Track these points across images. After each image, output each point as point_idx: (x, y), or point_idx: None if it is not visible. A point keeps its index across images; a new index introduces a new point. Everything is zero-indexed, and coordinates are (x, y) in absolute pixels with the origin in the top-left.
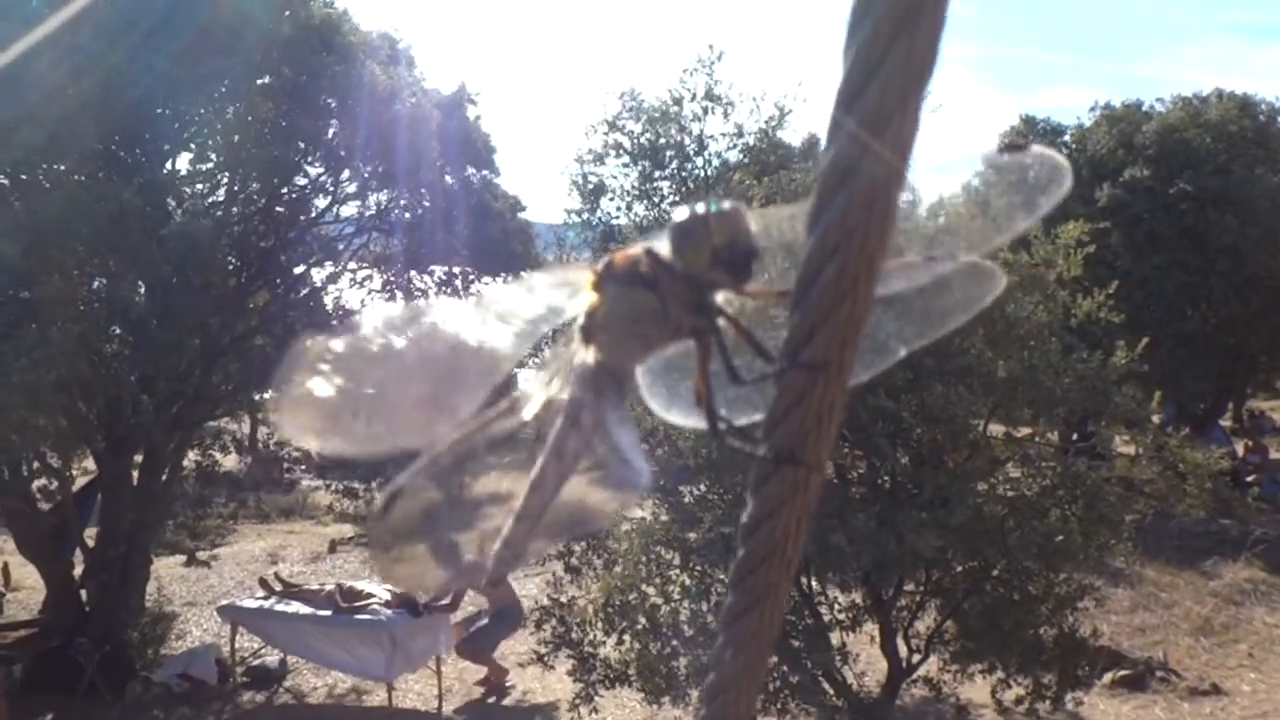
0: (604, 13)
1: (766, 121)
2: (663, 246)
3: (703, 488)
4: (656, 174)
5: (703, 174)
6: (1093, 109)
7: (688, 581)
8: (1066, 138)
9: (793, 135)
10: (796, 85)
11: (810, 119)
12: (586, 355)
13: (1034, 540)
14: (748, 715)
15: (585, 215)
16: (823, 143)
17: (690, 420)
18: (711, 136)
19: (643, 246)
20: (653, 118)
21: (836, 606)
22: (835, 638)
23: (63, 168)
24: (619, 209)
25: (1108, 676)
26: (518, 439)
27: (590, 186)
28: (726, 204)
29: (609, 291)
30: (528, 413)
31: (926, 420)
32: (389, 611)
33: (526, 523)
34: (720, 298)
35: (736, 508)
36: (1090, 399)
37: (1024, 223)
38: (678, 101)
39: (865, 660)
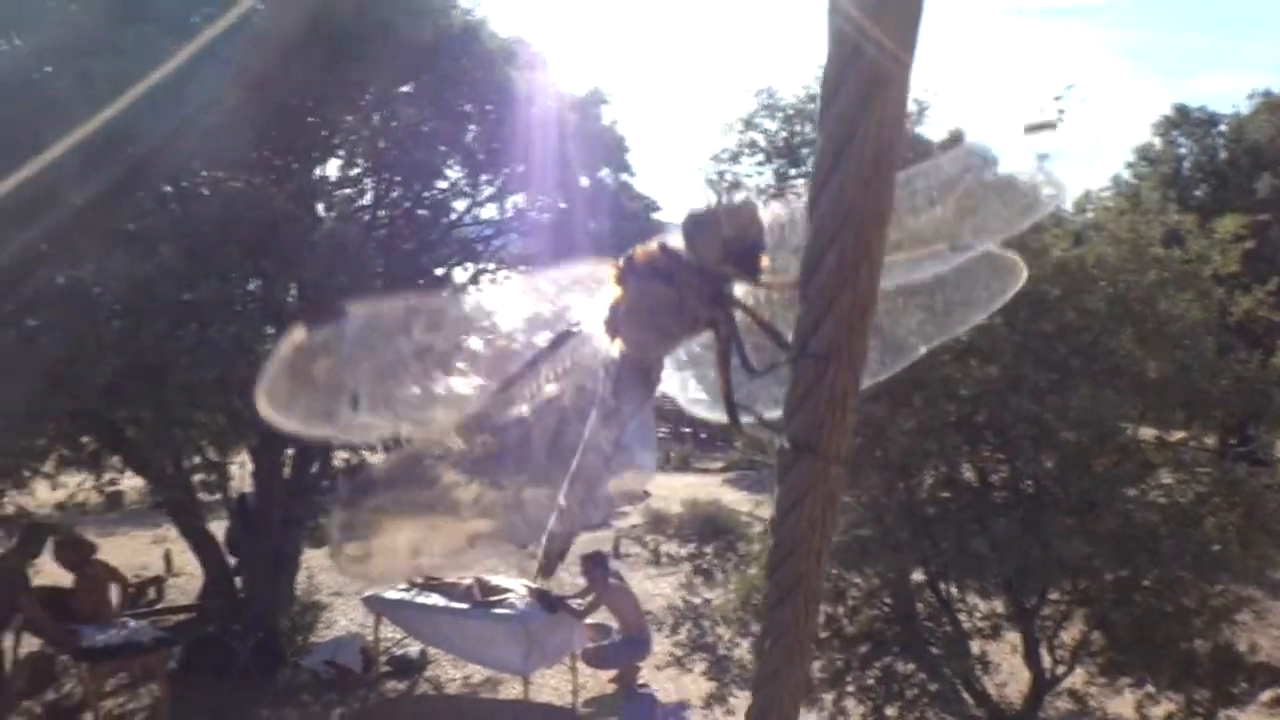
0: (740, 9)
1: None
2: (677, 241)
3: None
4: (792, 172)
5: None
6: (1250, 96)
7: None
8: (1223, 127)
9: (933, 130)
10: (937, 78)
11: (951, 113)
12: (612, 348)
13: (1188, 549)
14: (793, 704)
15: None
16: (965, 137)
17: (715, 414)
18: None
19: (659, 241)
20: (789, 115)
21: (976, 614)
22: (975, 646)
23: (220, 175)
24: None
25: (1266, 694)
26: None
27: (725, 186)
28: (738, 198)
29: (630, 285)
30: (528, 409)
31: (1072, 423)
32: (526, 607)
33: (570, 513)
34: (739, 290)
35: (872, 510)
36: (1249, 400)
37: (1050, 208)
38: (814, 98)
39: (1007, 670)
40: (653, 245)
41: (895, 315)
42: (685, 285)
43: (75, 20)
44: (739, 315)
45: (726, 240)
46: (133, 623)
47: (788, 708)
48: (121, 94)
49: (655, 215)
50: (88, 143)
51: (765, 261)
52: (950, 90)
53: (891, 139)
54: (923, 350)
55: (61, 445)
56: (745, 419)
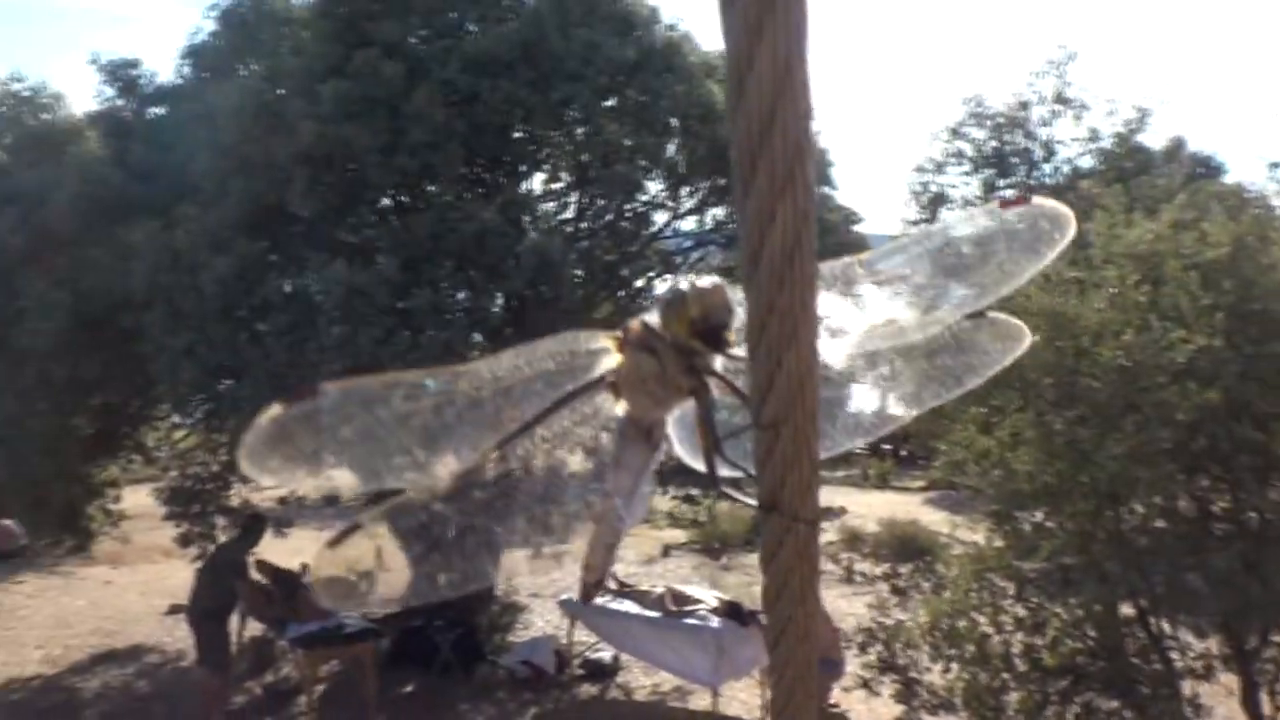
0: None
1: (1124, 124)
2: (654, 319)
3: (1040, 515)
4: (1000, 182)
5: (1051, 181)
6: None
7: (1022, 613)
8: None
9: (1154, 138)
10: (1158, 84)
11: (1174, 120)
12: (617, 409)
13: None
14: None
15: (924, 226)
16: (1186, 145)
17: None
18: (1061, 141)
19: (642, 318)
20: (998, 124)
21: (1189, 653)
22: (1186, 687)
23: (434, 189)
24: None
25: None
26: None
27: (929, 196)
28: (705, 281)
29: (627, 354)
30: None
31: None
32: (716, 619)
33: (600, 548)
34: (718, 362)
35: (1077, 538)
36: None
37: (1032, 269)
38: (1025, 106)
39: (1221, 715)
40: (639, 320)
41: (894, 378)
42: (665, 358)
43: (306, 46)
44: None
45: (693, 320)
46: (347, 613)
47: None
48: (345, 114)
49: (856, 227)
50: (314, 159)
51: (732, 337)
52: (1172, 98)
53: (805, 220)
54: (913, 413)
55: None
56: (732, 473)
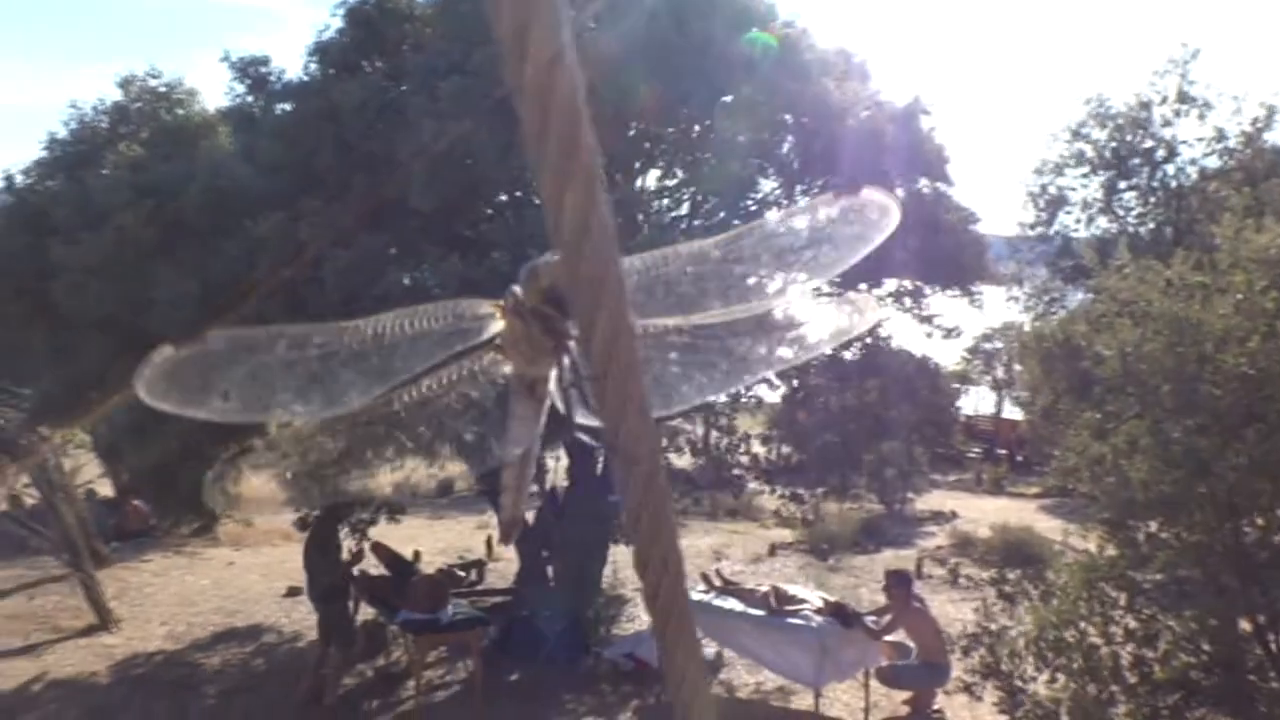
0: (1069, 14)
1: (1251, 123)
2: (518, 288)
3: (1155, 525)
4: (1121, 184)
5: (1174, 183)
6: None
7: (1133, 624)
8: None
9: None
10: None
11: None
12: (505, 366)
13: None
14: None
15: (1041, 228)
16: None
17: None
18: (1185, 141)
19: (513, 287)
20: (1119, 124)
21: None
22: None
23: None
24: (1078, 221)
25: None
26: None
27: (1048, 198)
28: (555, 256)
29: (506, 320)
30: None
31: None
32: (820, 619)
33: (510, 490)
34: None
35: (1195, 550)
36: None
37: (861, 253)
38: (1146, 105)
39: None
40: (510, 290)
41: (746, 346)
42: (529, 322)
43: (430, 44)
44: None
45: (545, 289)
46: (456, 601)
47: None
48: (464, 111)
49: (973, 227)
50: (434, 155)
51: None
52: None
53: (592, 186)
54: (762, 374)
55: (402, 433)
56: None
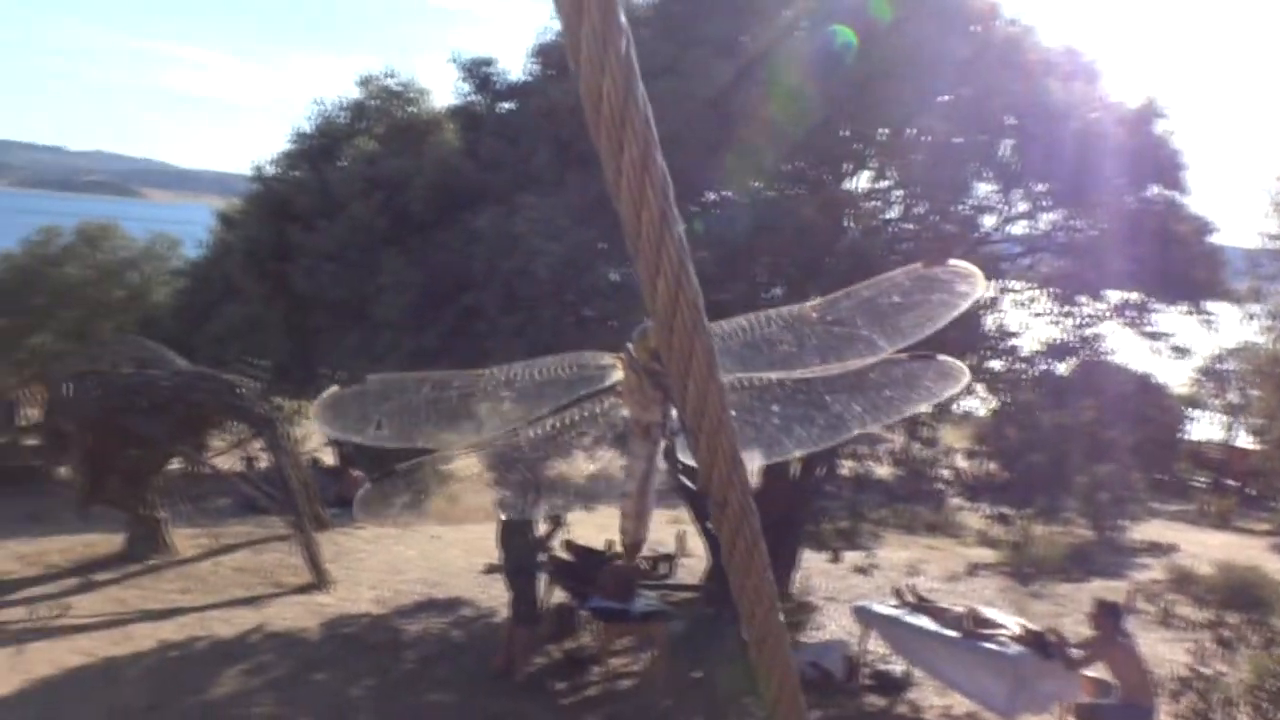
0: None
1: None
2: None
3: None
4: None
5: None
6: None
7: None
8: None
9: None
10: None
11: None
12: (624, 410)
13: None
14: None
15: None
16: None
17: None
18: None
19: (626, 345)
20: None
21: None
22: None
23: (757, 185)
24: None
25: None
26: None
27: None
28: None
29: (624, 370)
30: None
31: None
32: (1018, 647)
33: (629, 517)
34: None
35: None
36: None
37: (945, 319)
38: None
39: None
40: (626, 347)
41: (842, 401)
42: (640, 376)
43: (644, 44)
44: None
45: (651, 349)
46: (645, 593)
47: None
48: (676, 110)
49: (1209, 239)
50: None
51: None
52: None
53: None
54: (855, 431)
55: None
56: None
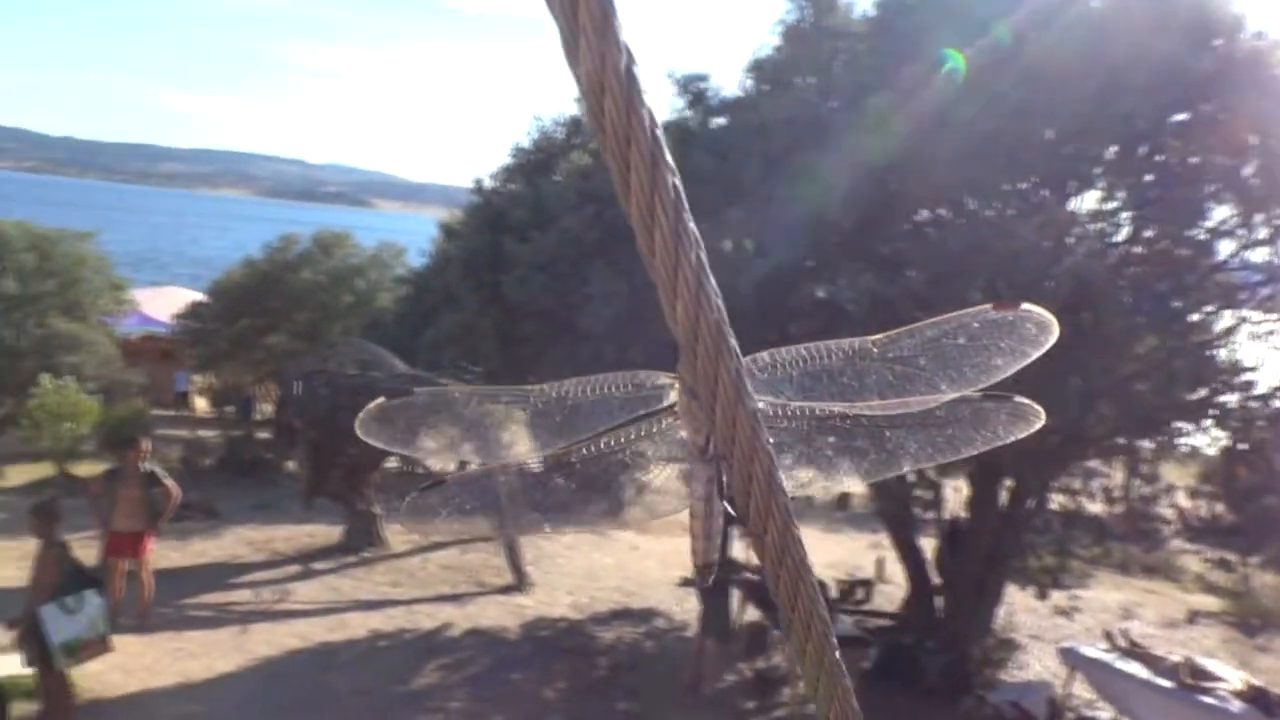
0: None
1: None
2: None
3: None
4: None
5: None
6: None
7: None
8: None
9: None
10: None
11: None
12: (682, 431)
13: None
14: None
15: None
16: None
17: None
18: None
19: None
20: None
21: None
22: None
23: (973, 204)
24: None
25: None
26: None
27: None
28: None
29: (679, 390)
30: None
31: None
32: (1239, 703)
33: (697, 539)
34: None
35: None
36: None
37: (1013, 369)
38: None
39: None
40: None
41: (900, 437)
42: (690, 396)
43: (860, 60)
44: None
45: None
46: (840, 617)
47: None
48: (889, 127)
49: None
50: (855, 171)
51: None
52: None
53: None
54: (906, 469)
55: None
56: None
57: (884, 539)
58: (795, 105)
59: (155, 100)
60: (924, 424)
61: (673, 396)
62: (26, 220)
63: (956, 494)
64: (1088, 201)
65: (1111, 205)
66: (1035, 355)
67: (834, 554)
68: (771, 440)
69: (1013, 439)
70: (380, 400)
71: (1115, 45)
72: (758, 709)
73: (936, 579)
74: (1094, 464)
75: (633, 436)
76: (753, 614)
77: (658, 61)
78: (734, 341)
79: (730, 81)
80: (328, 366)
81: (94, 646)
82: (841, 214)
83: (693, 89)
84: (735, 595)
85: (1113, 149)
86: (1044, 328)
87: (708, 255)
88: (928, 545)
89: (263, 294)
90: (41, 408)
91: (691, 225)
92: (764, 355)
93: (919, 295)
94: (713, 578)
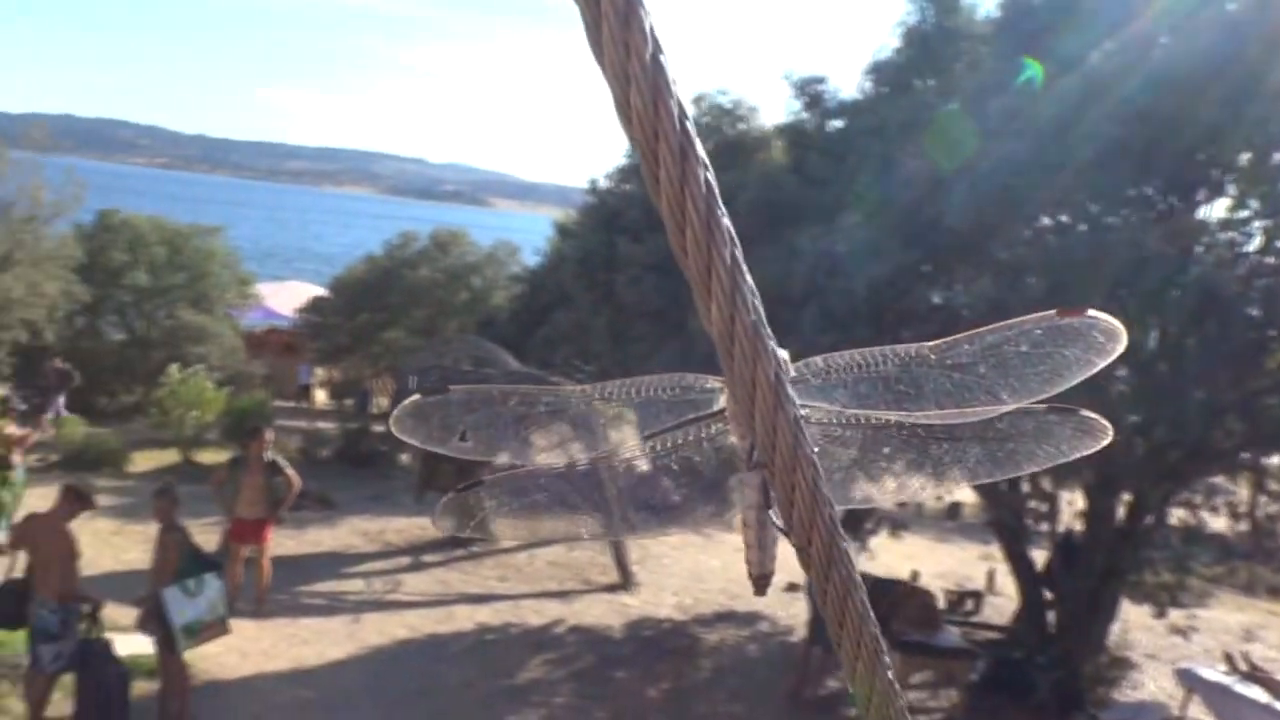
0: None
1: None
2: None
3: None
4: None
5: None
6: None
7: None
8: None
9: None
10: None
11: None
12: (731, 437)
13: None
14: None
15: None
16: None
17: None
18: None
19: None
20: None
21: None
22: None
23: (1096, 210)
24: None
25: None
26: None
27: None
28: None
29: (727, 394)
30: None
31: None
32: None
33: (754, 548)
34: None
35: None
36: None
37: (1077, 379)
38: None
39: None
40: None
41: (958, 450)
42: (735, 400)
43: (984, 62)
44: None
45: None
46: (948, 628)
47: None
48: (1011, 130)
49: None
50: (975, 174)
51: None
52: None
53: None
54: (961, 484)
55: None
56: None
57: (995, 550)
58: (914, 107)
59: (284, 100)
60: (983, 436)
61: (723, 401)
62: (159, 215)
63: (1071, 506)
64: (1217, 209)
65: (1243, 214)
66: (1101, 365)
67: (944, 564)
68: (829, 450)
69: (1077, 456)
70: (415, 397)
71: (1250, 48)
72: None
73: (1049, 593)
74: (1218, 479)
75: (680, 441)
76: None
77: (775, 64)
78: (774, 344)
79: (848, 84)
80: (443, 362)
81: (213, 629)
82: (959, 218)
83: (810, 91)
84: None
85: (1245, 155)
86: (1111, 336)
87: (824, 258)
88: (1040, 558)
89: (382, 290)
90: (169, 396)
91: (726, 221)
92: (817, 360)
93: (1038, 302)
94: (768, 588)
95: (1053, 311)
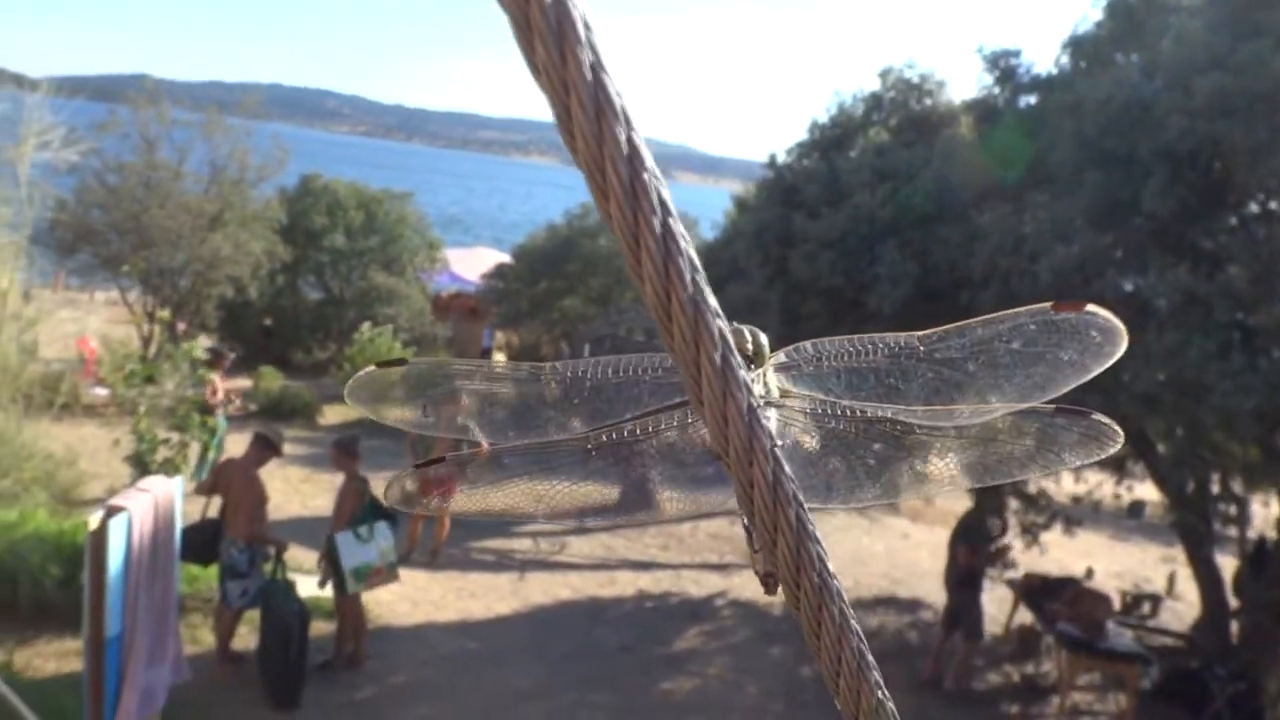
0: None
1: None
2: None
3: None
4: None
5: None
6: None
7: None
8: None
9: None
10: None
11: None
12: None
13: None
14: None
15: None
16: None
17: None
18: None
19: None
20: None
21: None
22: None
23: None
24: None
25: None
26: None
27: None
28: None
29: None
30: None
31: None
32: None
33: (753, 544)
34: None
35: None
36: None
37: (1075, 382)
38: None
39: None
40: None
41: (952, 453)
42: None
43: (1192, 37)
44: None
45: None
46: (1121, 631)
47: None
48: (1220, 109)
49: None
50: (1178, 156)
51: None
52: None
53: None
54: (946, 489)
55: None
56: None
57: (1178, 553)
58: (1114, 84)
59: (475, 72)
60: (983, 439)
61: None
62: (358, 181)
63: (1264, 509)
64: None
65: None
66: (1097, 370)
67: (1122, 563)
68: (819, 443)
69: (1079, 464)
70: (370, 368)
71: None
72: (1020, 715)
73: (1234, 601)
74: None
75: (662, 426)
76: (1025, 615)
77: (967, 37)
78: (723, 323)
79: (1044, 58)
80: (617, 332)
81: (381, 575)
82: (1157, 202)
83: (1003, 65)
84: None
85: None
86: (1110, 335)
87: (1007, 239)
88: (1227, 564)
89: (561, 258)
90: (360, 354)
91: (659, 187)
92: (807, 345)
93: (1239, 295)
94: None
95: (1048, 305)
